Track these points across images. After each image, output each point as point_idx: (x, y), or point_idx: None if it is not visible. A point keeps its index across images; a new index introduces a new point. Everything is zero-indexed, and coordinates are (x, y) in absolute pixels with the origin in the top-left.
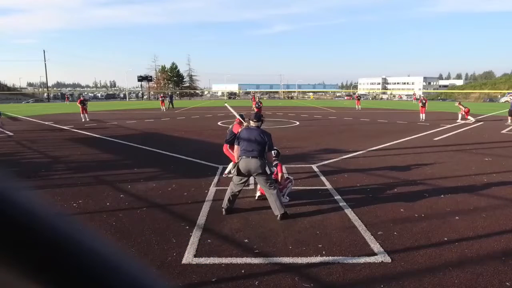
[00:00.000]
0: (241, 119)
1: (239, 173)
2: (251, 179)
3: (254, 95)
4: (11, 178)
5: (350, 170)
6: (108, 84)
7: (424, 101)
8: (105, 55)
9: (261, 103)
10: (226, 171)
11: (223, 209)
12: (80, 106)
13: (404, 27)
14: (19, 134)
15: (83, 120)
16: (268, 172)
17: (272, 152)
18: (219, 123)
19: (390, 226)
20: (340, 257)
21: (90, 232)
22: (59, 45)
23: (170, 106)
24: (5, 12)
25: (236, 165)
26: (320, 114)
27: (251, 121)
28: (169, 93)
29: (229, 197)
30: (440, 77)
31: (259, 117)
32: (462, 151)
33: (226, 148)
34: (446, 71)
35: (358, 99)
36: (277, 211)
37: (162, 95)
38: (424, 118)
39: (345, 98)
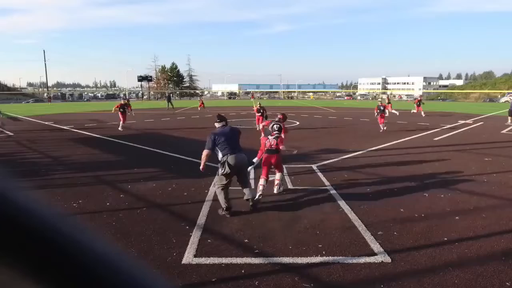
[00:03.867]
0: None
1: (230, 168)
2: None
3: (253, 94)
4: (11, 178)
5: (350, 170)
6: (108, 84)
7: (382, 108)
8: (105, 55)
9: (264, 109)
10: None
11: (225, 212)
12: (119, 112)
13: (404, 27)
14: (19, 134)
15: (120, 129)
16: (254, 160)
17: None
18: None
19: (390, 226)
20: (340, 257)
21: (90, 232)
22: (60, 45)
23: (170, 106)
24: (5, 12)
25: (223, 164)
26: (320, 114)
27: (216, 123)
28: (167, 94)
29: (224, 196)
30: (440, 77)
31: (222, 117)
32: (462, 151)
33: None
34: (446, 71)
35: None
36: (249, 195)
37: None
38: (384, 128)
39: (345, 98)
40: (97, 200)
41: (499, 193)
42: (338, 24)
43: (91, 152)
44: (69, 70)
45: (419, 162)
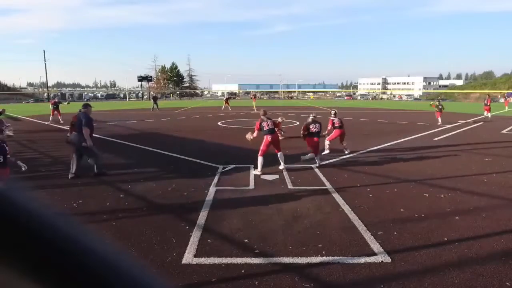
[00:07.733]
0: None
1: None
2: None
3: (254, 95)
4: (11, 179)
5: (350, 170)
6: (108, 84)
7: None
8: (105, 55)
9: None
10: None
11: (71, 174)
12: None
13: (404, 27)
14: (19, 134)
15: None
16: (84, 144)
17: (86, 128)
18: (219, 123)
19: (390, 226)
20: (340, 257)
21: (90, 232)
22: (59, 45)
23: (155, 107)
24: (5, 12)
25: None
26: (320, 114)
27: (81, 109)
28: (153, 94)
29: (75, 163)
30: (440, 77)
31: (85, 105)
32: (462, 151)
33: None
34: (446, 71)
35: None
36: (95, 170)
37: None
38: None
39: (345, 98)
40: (97, 200)
41: (499, 193)
42: (338, 24)
43: None
44: (69, 70)
45: (419, 162)
